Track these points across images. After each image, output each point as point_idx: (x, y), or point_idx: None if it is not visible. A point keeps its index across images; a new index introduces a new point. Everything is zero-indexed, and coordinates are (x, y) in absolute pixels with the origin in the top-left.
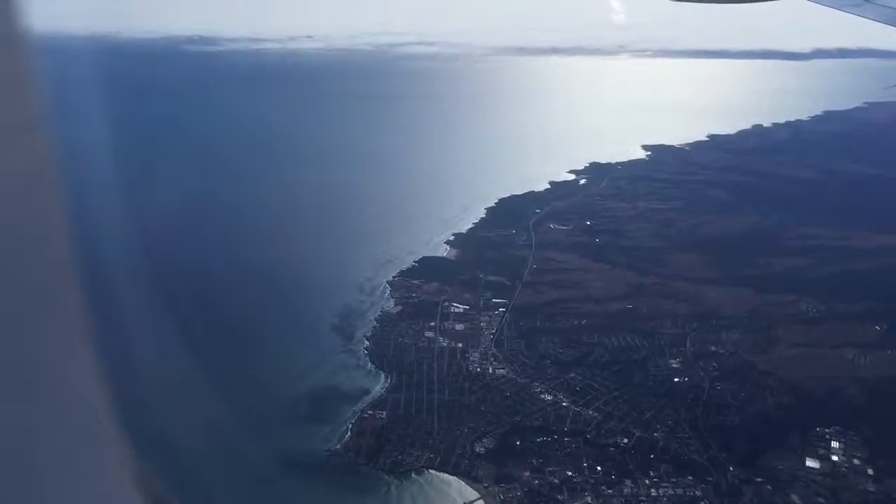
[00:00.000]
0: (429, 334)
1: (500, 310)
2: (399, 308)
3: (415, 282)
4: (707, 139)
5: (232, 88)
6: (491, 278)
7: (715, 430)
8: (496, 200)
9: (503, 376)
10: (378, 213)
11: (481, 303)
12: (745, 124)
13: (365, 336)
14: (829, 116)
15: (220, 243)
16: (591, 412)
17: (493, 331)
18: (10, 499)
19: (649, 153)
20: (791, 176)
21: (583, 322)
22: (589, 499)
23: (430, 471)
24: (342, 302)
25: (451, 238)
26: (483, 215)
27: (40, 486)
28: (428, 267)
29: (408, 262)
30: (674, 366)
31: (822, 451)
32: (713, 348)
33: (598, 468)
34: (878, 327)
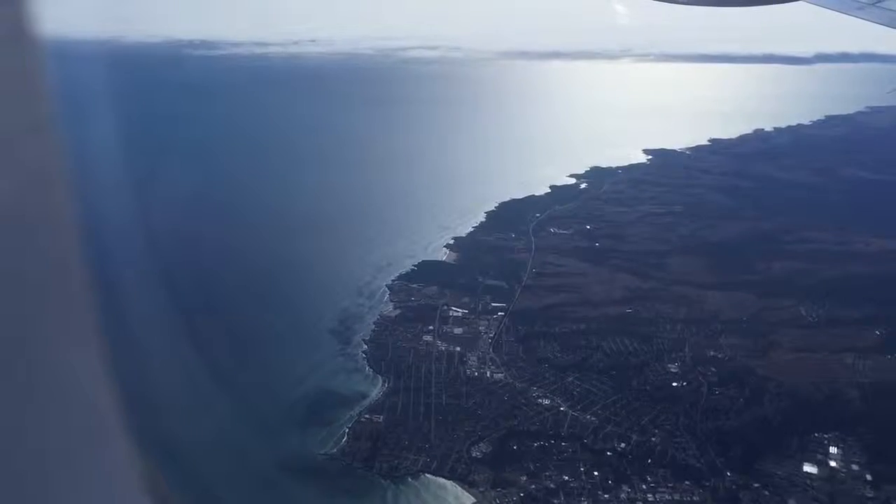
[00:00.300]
0: (427, 338)
1: (499, 314)
2: (398, 312)
3: (414, 285)
4: (708, 143)
5: (234, 92)
6: (490, 282)
7: (713, 435)
8: (496, 204)
9: (501, 380)
10: (378, 217)
11: (480, 307)
12: (746, 128)
13: (363, 340)
14: (830, 121)
15: (219, 245)
16: (588, 417)
17: (492, 335)
18: (15, 499)
19: (650, 157)
20: (792, 180)
21: (581, 326)
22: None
23: (426, 475)
24: (341, 305)
25: (451, 242)
26: (483, 219)
27: (46, 487)
28: (427, 271)
29: (407, 265)
30: (672, 370)
31: (820, 457)
32: (712, 353)
33: (596, 473)
34: (877, 332)
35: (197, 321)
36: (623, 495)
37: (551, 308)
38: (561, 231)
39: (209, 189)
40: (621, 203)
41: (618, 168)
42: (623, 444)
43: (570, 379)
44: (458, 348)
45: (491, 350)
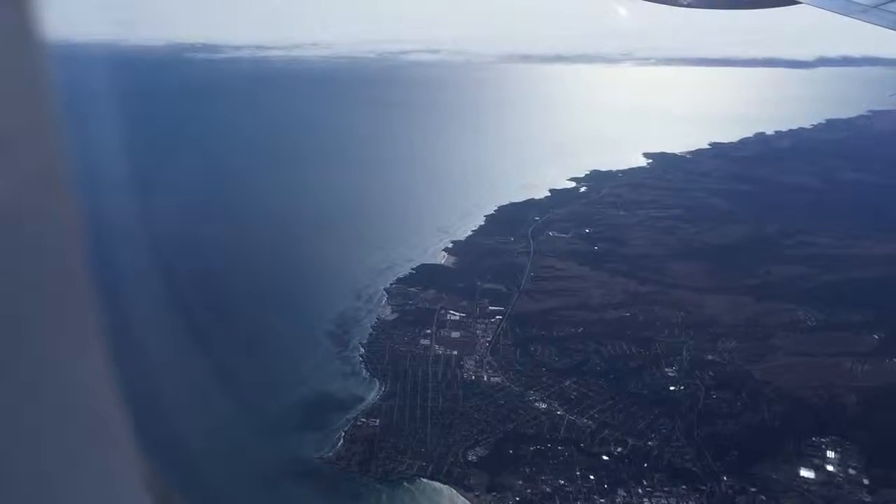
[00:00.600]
0: (424, 342)
1: (497, 318)
2: (395, 315)
3: (412, 289)
4: (709, 147)
5: (236, 95)
6: (488, 286)
7: (710, 440)
8: (495, 208)
9: (498, 384)
10: (377, 220)
11: (478, 310)
12: (747, 132)
13: (360, 343)
14: (831, 124)
15: (218, 247)
16: (585, 421)
17: (489, 339)
18: (18, 499)
19: (650, 161)
20: (792, 184)
21: (579, 330)
22: None
23: (421, 479)
24: (339, 309)
25: (450, 245)
26: (482, 223)
27: (50, 487)
28: (425, 274)
29: (405, 269)
30: (670, 374)
31: (817, 461)
32: (710, 357)
33: (591, 477)
34: (876, 336)
35: (194, 323)
36: (619, 499)
37: (549, 312)
38: (560, 235)
39: (209, 191)
40: (621, 207)
41: (618, 171)
42: (619, 448)
43: (567, 383)
44: (456, 352)
45: (488, 354)
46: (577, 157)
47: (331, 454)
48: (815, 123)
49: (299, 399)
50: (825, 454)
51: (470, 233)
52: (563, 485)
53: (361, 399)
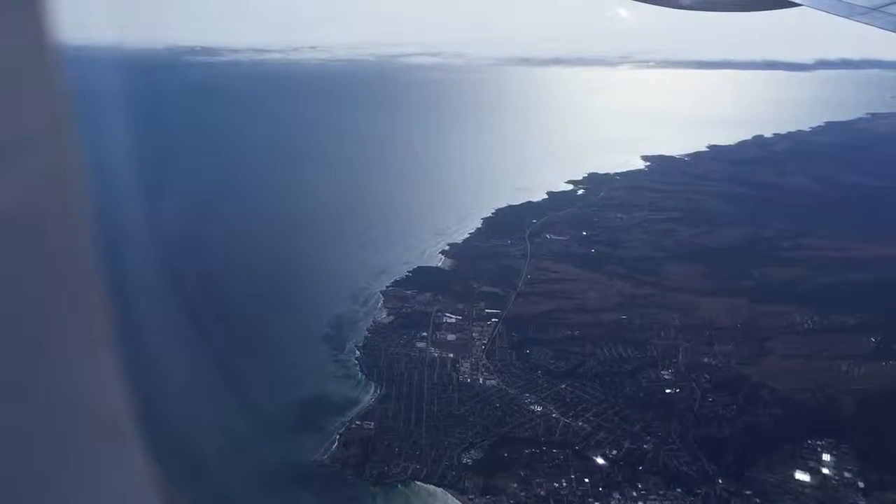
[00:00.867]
0: (420, 345)
1: (493, 320)
2: (391, 318)
3: (408, 292)
4: (707, 150)
5: (235, 98)
6: (485, 289)
7: (705, 442)
8: (493, 211)
9: (493, 387)
10: (374, 223)
11: (474, 313)
12: (745, 135)
13: (356, 346)
14: (830, 127)
15: (216, 249)
16: (580, 423)
17: (485, 341)
18: (23, 499)
19: (649, 164)
20: (790, 186)
21: (576, 333)
22: None
23: (416, 482)
24: (335, 312)
25: (447, 248)
26: (479, 225)
27: (55, 488)
28: (422, 277)
29: (402, 271)
30: (666, 377)
31: (812, 464)
32: (706, 360)
33: (586, 480)
34: (872, 339)
35: (192, 324)
36: (613, 503)
37: (546, 314)
38: (557, 237)
39: (208, 193)
40: (618, 209)
41: (616, 174)
42: (614, 451)
43: (562, 386)
44: (451, 355)
45: (484, 356)
46: (575, 160)
47: (325, 457)
48: (813, 126)
49: (294, 401)
50: (821, 457)
51: (467, 235)
52: (557, 488)
53: (356, 402)
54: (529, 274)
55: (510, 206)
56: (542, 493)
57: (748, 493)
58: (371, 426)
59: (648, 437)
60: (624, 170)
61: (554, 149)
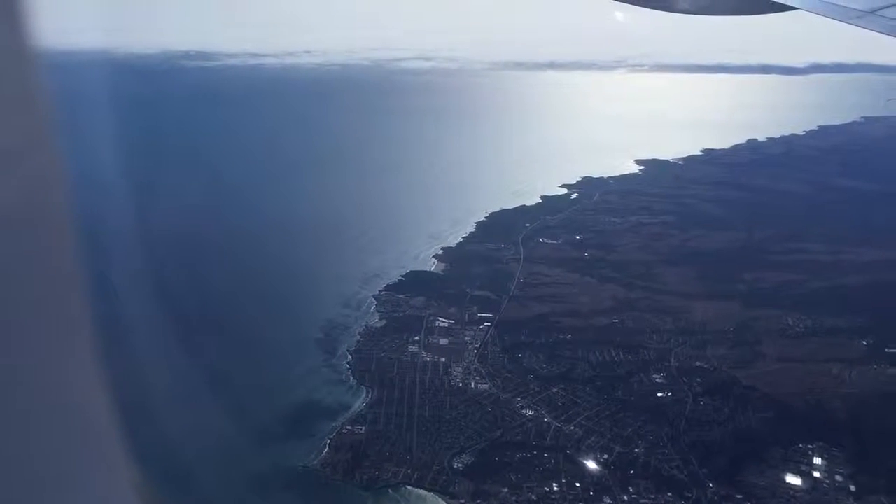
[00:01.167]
0: (412, 349)
1: (486, 324)
2: (384, 322)
3: (401, 296)
4: (701, 153)
5: (230, 102)
6: (478, 293)
7: (696, 446)
8: (487, 214)
9: (485, 391)
10: (367, 227)
11: (467, 317)
12: (739, 139)
13: (348, 350)
14: (824, 131)
15: (210, 253)
16: (572, 428)
17: (478, 345)
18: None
19: (642, 167)
20: (784, 190)
21: (568, 337)
22: None
23: (406, 487)
24: (327, 316)
25: (440, 252)
26: (473, 229)
27: (40, 492)
28: (415, 281)
29: (395, 276)
30: (657, 381)
31: (803, 468)
32: (698, 363)
33: (577, 484)
34: (864, 342)
35: (183, 329)
36: None
37: (538, 318)
38: (550, 241)
39: (202, 197)
40: (612, 213)
41: (609, 178)
42: (605, 456)
43: (554, 390)
44: (443, 359)
45: (476, 361)
46: (569, 164)
47: (315, 462)
48: (807, 130)
49: (285, 406)
50: (812, 461)
51: (460, 239)
52: (548, 492)
53: (348, 407)
54: (522, 278)
55: (504, 210)
56: (532, 497)
57: (739, 496)
58: (362, 431)
59: (640, 441)
60: (618, 174)
61: (548, 153)
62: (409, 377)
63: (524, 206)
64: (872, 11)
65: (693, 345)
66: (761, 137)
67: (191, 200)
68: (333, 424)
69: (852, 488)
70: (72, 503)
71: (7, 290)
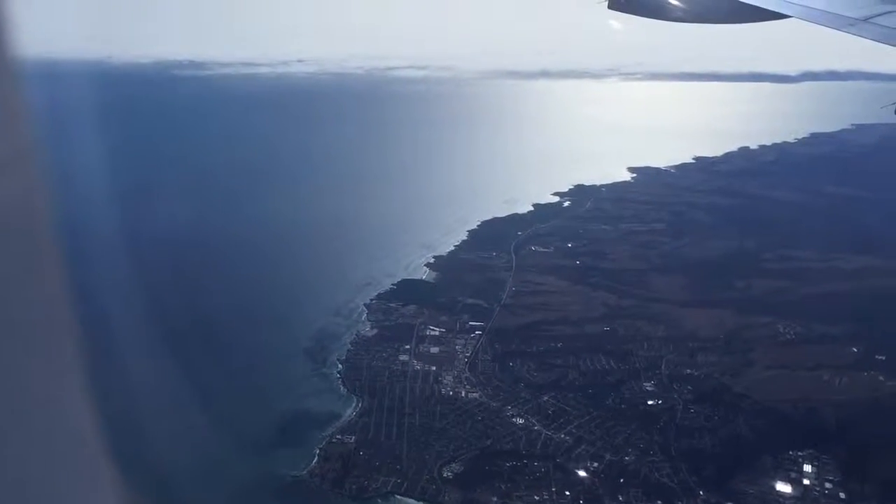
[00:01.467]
0: (403, 358)
1: (477, 333)
2: (375, 331)
3: (392, 305)
4: (693, 161)
5: (223, 112)
6: (469, 301)
7: (686, 454)
8: (479, 223)
9: (476, 400)
10: (360, 235)
11: (458, 326)
12: (731, 146)
13: (339, 360)
14: (815, 138)
15: (202, 262)
16: (562, 436)
17: (469, 354)
18: None
19: (634, 175)
20: (775, 198)
21: (559, 345)
22: None
23: (396, 496)
24: (318, 325)
25: (432, 261)
26: (465, 238)
27: (18, 496)
28: (406, 290)
29: (386, 284)
30: (648, 389)
31: (794, 475)
32: (688, 371)
33: (567, 493)
34: (854, 349)
35: (174, 338)
36: None
37: (529, 326)
38: (542, 249)
39: (194, 207)
40: (603, 221)
41: (602, 186)
42: (596, 464)
43: (545, 398)
44: (434, 368)
45: (467, 369)
46: (562, 172)
47: (304, 472)
48: (799, 137)
49: (275, 416)
50: (802, 468)
51: (452, 248)
52: (537, 501)
53: (338, 416)
54: (514, 286)
55: (496, 219)
56: None
57: None
58: (352, 440)
59: (630, 450)
60: (610, 181)
61: (540, 161)
62: (399, 386)
63: (516, 214)
64: (866, 19)
65: (684, 352)
66: (753, 145)
67: (183, 208)
68: (323, 434)
69: (842, 496)
70: None
71: None
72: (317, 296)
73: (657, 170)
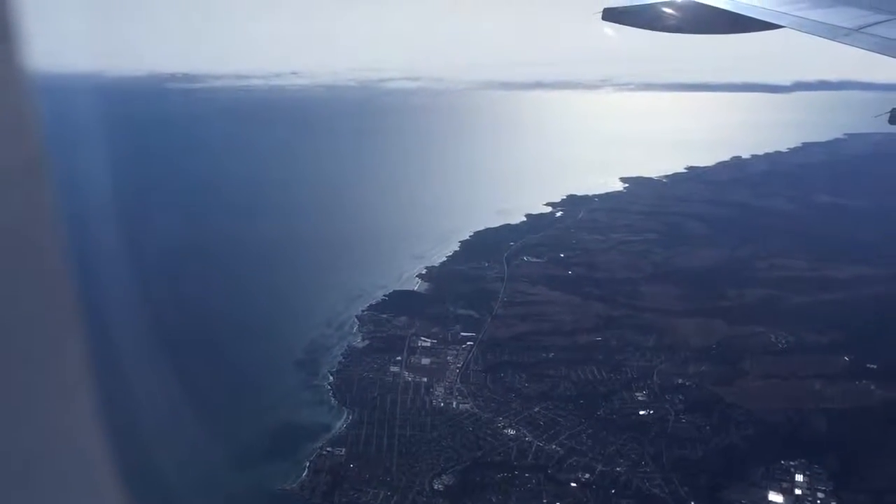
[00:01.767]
0: (394, 369)
1: (469, 343)
2: (366, 343)
3: (383, 316)
4: (685, 171)
5: (216, 125)
6: (461, 312)
7: (678, 464)
8: (471, 234)
9: (467, 411)
10: (351, 246)
11: (449, 337)
12: (724, 156)
13: (330, 371)
14: (807, 148)
15: (193, 274)
16: (553, 447)
17: (460, 365)
18: None
19: (627, 185)
20: (767, 207)
21: (550, 355)
22: None
23: None
24: (309, 337)
25: (424, 272)
26: (457, 248)
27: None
28: (398, 301)
29: (378, 295)
30: (640, 399)
31: (785, 485)
32: (680, 381)
33: None
34: (846, 358)
35: (164, 348)
36: None
37: (521, 337)
38: (534, 259)
39: (189, 217)
40: (596, 231)
41: (594, 196)
42: (587, 475)
43: (536, 409)
44: (426, 379)
45: (458, 380)
46: (555, 183)
47: (294, 485)
48: (791, 147)
49: (265, 428)
50: (794, 477)
51: (445, 259)
52: None
53: (328, 428)
54: (506, 296)
55: (489, 229)
56: None
57: None
58: (342, 452)
59: (622, 460)
60: (602, 192)
61: (533, 171)
62: (390, 397)
63: (509, 224)
64: (859, 29)
65: (676, 362)
66: (745, 155)
67: (178, 220)
68: (313, 446)
69: None
70: None
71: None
72: (309, 307)
73: (650, 180)
